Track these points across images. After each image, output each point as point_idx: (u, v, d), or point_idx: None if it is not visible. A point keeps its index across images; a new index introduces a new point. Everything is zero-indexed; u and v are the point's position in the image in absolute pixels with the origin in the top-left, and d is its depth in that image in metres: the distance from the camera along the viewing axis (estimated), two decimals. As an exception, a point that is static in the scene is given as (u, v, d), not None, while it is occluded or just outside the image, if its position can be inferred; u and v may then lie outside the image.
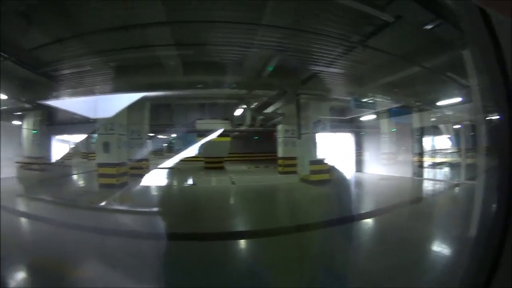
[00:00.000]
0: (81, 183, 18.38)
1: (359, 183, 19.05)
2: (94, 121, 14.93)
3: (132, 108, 14.84)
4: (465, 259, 3.14)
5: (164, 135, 23.72)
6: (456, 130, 18.06)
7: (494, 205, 2.20)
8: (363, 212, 11.53)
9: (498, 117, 2.16)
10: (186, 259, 6.70)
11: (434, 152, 20.23)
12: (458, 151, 17.45)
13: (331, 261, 6.75)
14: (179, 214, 9.78)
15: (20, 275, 5.74)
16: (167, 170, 19.71)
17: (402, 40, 10.88)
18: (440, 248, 7.53)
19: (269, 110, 20.11)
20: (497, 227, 2.13)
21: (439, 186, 17.68)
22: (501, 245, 2.09)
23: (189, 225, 9.07)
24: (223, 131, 21.71)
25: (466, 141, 15.87)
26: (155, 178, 17.27)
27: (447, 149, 19.70)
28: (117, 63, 12.21)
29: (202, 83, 13.99)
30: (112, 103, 13.91)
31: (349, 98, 16.84)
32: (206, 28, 10.15)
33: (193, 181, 17.22)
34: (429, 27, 8.61)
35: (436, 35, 9.06)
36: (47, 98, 14.60)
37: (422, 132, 19.22)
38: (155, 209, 10.79)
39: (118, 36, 9.73)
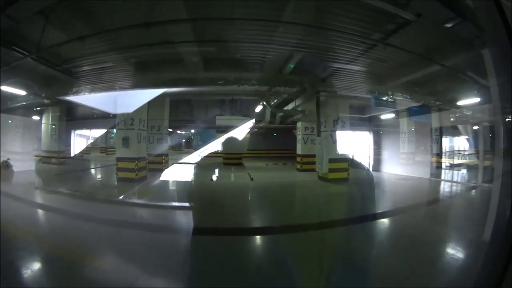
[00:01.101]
0: (99, 177, 18.51)
1: (377, 183, 18.93)
2: (114, 116, 15.16)
3: (153, 103, 15.11)
4: (478, 260, 3.13)
5: (183, 131, 23.89)
6: (475, 131, 17.90)
7: (509, 208, 2.18)
8: (380, 211, 11.50)
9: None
10: (200, 253, 6.72)
11: (453, 153, 20.07)
12: (477, 153, 17.28)
13: (346, 259, 6.76)
14: (196, 210, 9.79)
15: (28, 268, 5.79)
16: (186, 165, 19.85)
17: (422, 38, 10.74)
18: (453, 249, 7.49)
19: (289, 107, 20.11)
20: (511, 230, 2.12)
21: (456, 188, 17.53)
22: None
23: (205, 220, 9.08)
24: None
25: (485, 142, 15.69)
26: (174, 173, 17.39)
27: (465, 150, 19.54)
28: (138, 60, 12.22)
29: (222, 79, 14.06)
30: (132, 99, 14.09)
31: (369, 96, 16.79)
32: (227, 25, 10.15)
33: (212, 176, 17.27)
34: (449, 25, 8.53)
35: (456, 33, 8.97)
36: (67, 94, 14.88)
37: (441, 132, 19.07)
38: (173, 203, 10.87)
39: (139, 33, 9.75)
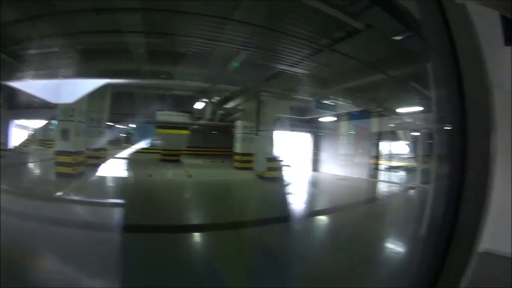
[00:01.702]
0: (37, 172, 17.79)
1: (315, 182, 19.29)
2: (55, 106, 14.42)
3: (94, 95, 14.44)
4: (412, 259, 3.27)
5: (123, 125, 23.35)
6: (415, 137, 18.59)
7: (443, 208, 2.32)
8: (316, 209, 11.74)
9: (451, 128, 2.30)
10: (133, 251, 6.61)
11: (392, 156, 20.74)
12: (415, 157, 17.96)
13: (277, 257, 6.82)
14: (132, 207, 9.65)
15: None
16: (124, 161, 19.52)
17: (370, 48, 11.07)
18: (388, 247, 7.75)
19: (230, 105, 20.13)
20: (445, 229, 2.25)
21: (393, 188, 18.17)
22: (447, 247, 2.21)
23: (140, 217, 8.97)
24: (182, 124, 21.73)
25: (423, 147, 16.34)
26: (112, 169, 17.04)
27: (404, 154, 20.24)
28: (85, 47, 11.81)
29: (165, 73, 13.89)
30: (74, 88, 13.52)
31: (310, 99, 17.04)
32: (177, 18, 10.05)
33: (150, 173, 17.03)
34: (398, 38, 8.83)
35: (405, 46, 9.31)
36: (7, 79, 13.74)
37: (381, 136, 19.69)
38: (109, 200, 10.66)
39: (89, 18, 9.47)
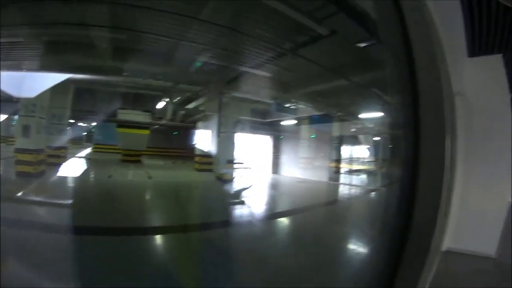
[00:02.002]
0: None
1: (274, 184, 19.43)
2: (18, 100, 13.87)
3: (56, 89, 14.08)
4: (370, 260, 3.40)
5: (85, 123, 22.92)
6: (376, 141, 18.98)
7: (398, 210, 2.42)
8: (275, 211, 11.85)
9: (404, 132, 2.43)
10: (87, 253, 6.55)
11: (352, 160, 21.11)
12: (376, 160, 18.33)
13: (234, 259, 6.86)
14: (90, 208, 9.56)
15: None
16: (84, 160, 19.23)
17: (334, 54, 11.23)
18: (345, 248, 7.85)
19: (191, 106, 20.09)
20: (400, 230, 2.36)
21: (353, 190, 18.45)
22: (403, 247, 2.32)
23: (95, 219, 8.87)
24: (142, 124, 21.55)
25: (383, 151, 16.67)
26: (73, 168, 16.79)
27: (365, 157, 20.62)
28: (50, 38, 11.49)
29: (129, 70, 13.75)
30: (37, 82, 13.13)
31: (272, 102, 17.18)
32: (143, 14, 9.93)
33: (110, 173, 16.83)
34: (362, 45, 9.02)
35: (368, 52, 9.50)
36: None
37: (342, 140, 20.02)
38: (65, 201, 10.51)
39: (57, 8, 9.31)
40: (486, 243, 6.78)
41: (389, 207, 2.77)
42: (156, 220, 10.21)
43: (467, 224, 6.89)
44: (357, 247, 7.66)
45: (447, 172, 2.19)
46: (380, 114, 15.24)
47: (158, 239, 8.33)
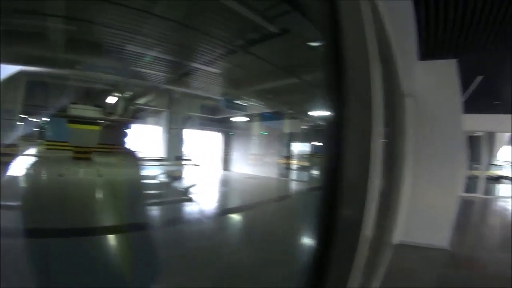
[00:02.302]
0: None
1: (224, 181, 19.51)
2: None
3: (7, 82, 13.74)
4: (300, 257, 3.45)
5: (37, 118, 22.34)
6: (321, 138, 19.23)
7: (330, 205, 2.46)
8: (224, 208, 11.90)
9: (334, 130, 2.50)
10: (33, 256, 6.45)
11: (303, 156, 21.35)
12: (319, 157, 18.55)
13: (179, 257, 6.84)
14: (37, 208, 9.38)
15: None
16: (35, 158, 18.80)
17: (285, 52, 11.36)
18: (286, 244, 7.90)
19: (141, 101, 19.92)
20: (329, 225, 2.41)
21: (298, 186, 18.69)
22: (331, 242, 2.38)
23: (43, 220, 8.71)
24: (92, 119, 21.21)
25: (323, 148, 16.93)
26: (23, 167, 16.41)
27: (312, 154, 20.87)
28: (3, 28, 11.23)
29: (81, 63, 13.52)
30: None
31: (221, 98, 17.22)
32: (96, 5, 9.79)
33: (61, 172, 16.51)
34: (314, 44, 9.11)
35: (320, 51, 9.60)
36: None
37: (292, 137, 20.25)
38: (12, 203, 10.27)
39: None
40: (440, 236, 7.10)
41: (321, 204, 2.82)
42: (105, 220, 10.12)
43: (421, 218, 7.20)
44: (295, 243, 7.75)
45: (375, 167, 2.26)
46: (327, 112, 15.40)
47: (102, 239, 8.26)
